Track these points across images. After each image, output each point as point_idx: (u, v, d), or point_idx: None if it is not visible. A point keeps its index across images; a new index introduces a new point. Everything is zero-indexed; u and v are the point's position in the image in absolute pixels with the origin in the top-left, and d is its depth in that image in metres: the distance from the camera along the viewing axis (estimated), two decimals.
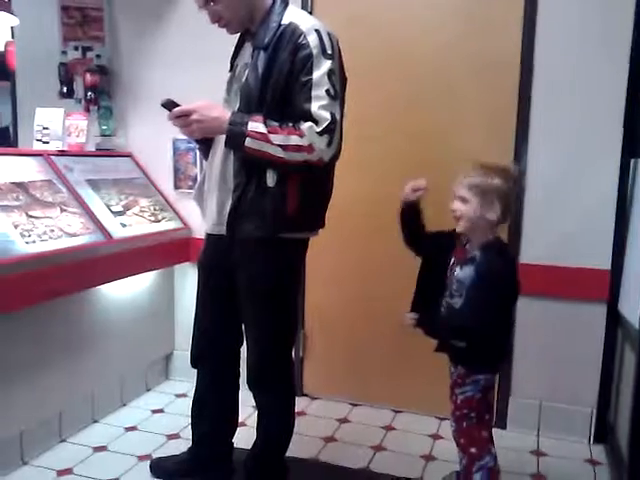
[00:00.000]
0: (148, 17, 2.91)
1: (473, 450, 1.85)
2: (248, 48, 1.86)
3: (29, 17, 2.95)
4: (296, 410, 2.05)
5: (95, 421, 2.59)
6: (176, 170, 2.94)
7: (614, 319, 2.44)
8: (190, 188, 2.85)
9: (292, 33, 1.73)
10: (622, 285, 2.39)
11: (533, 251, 2.49)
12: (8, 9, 2.75)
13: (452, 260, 1.88)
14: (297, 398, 2.07)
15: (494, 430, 1.92)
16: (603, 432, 2.51)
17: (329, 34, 1.76)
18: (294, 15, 1.79)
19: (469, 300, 1.75)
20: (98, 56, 2.98)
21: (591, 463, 2.40)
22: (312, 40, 1.71)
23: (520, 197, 2.19)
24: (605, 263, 2.43)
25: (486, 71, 2.53)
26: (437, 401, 2.65)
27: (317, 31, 1.73)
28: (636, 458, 1.83)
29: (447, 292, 1.85)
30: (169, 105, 1.78)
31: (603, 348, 2.48)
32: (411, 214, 1.95)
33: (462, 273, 1.80)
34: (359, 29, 2.62)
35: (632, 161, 2.38)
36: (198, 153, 2.75)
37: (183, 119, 1.77)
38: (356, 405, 2.86)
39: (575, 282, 2.45)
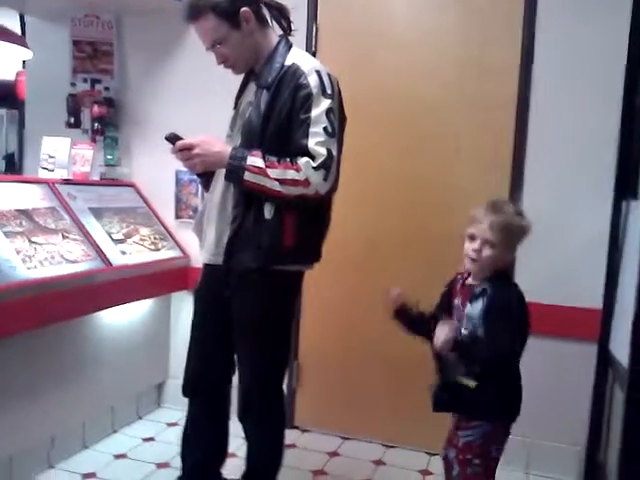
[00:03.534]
0: (156, 52, 3.02)
1: None
2: (252, 87, 1.92)
3: (41, 49, 3.04)
4: (286, 442, 2.06)
5: (85, 447, 2.59)
6: (178, 200, 3.00)
7: (605, 358, 2.46)
8: (190, 218, 2.90)
9: (294, 74, 1.80)
10: (613, 325, 2.42)
11: (525, 289, 2.51)
12: (23, 43, 2.85)
13: (457, 300, 1.84)
14: (288, 430, 2.08)
15: None
16: (592, 471, 2.51)
17: (329, 75, 1.83)
18: (297, 56, 1.86)
19: (487, 330, 1.70)
20: (106, 88, 3.07)
21: None
22: (312, 80, 1.78)
23: None
24: (597, 303, 2.46)
25: (483, 113, 2.60)
26: (428, 437, 2.66)
27: (317, 72, 1.80)
28: None
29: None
30: (172, 139, 1.84)
31: (593, 387, 2.50)
32: (403, 314, 1.90)
33: (472, 309, 1.77)
34: (360, 71, 2.71)
35: (624, 202, 2.43)
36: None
37: (185, 153, 1.83)
38: (347, 439, 2.86)
39: (567, 321, 2.48)
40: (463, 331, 1.78)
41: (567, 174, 2.50)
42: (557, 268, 2.52)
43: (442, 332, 1.67)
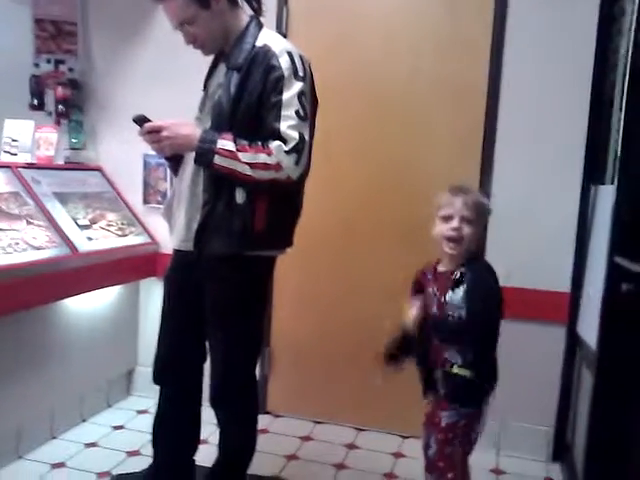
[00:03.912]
0: (123, 33, 2.93)
1: (450, 475, 1.81)
2: (222, 68, 1.88)
3: (1, 28, 2.93)
4: (259, 428, 2.04)
5: (54, 437, 2.54)
6: (146, 185, 2.94)
7: (573, 341, 2.51)
8: (159, 203, 2.85)
9: (265, 55, 1.76)
10: (581, 308, 2.46)
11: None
12: None
13: (433, 289, 1.83)
14: (260, 416, 2.07)
15: None
16: (560, 451, 2.57)
17: (301, 56, 1.80)
18: (268, 37, 1.82)
19: (473, 314, 1.71)
20: (70, 69, 2.97)
21: None
22: (284, 62, 1.75)
23: None
24: (565, 286, 2.51)
25: (454, 95, 2.60)
26: (400, 419, 2.70)
27: (289, 53, 1.77)
28: (591, 476, 1.87)
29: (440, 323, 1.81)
30: (140, 120, 1.79)
31: (562, 369, 2.55)
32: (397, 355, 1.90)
33: (455, 295, 1.75)
34: (332, 52, 2.68)
35: (592, 187, 2.46)
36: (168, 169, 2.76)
37: (154, 135, 1.78)
38: (319, 423, 2.86)
39: (536, 304, 2.51)
40: (450, 319, 1.78)
41: (537, 158, 2.52)
42: (526, 252, 2.54)
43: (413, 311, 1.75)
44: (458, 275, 1.76)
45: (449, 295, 1.78)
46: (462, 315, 1.73)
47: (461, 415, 1.79)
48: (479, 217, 1.76)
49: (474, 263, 1.77)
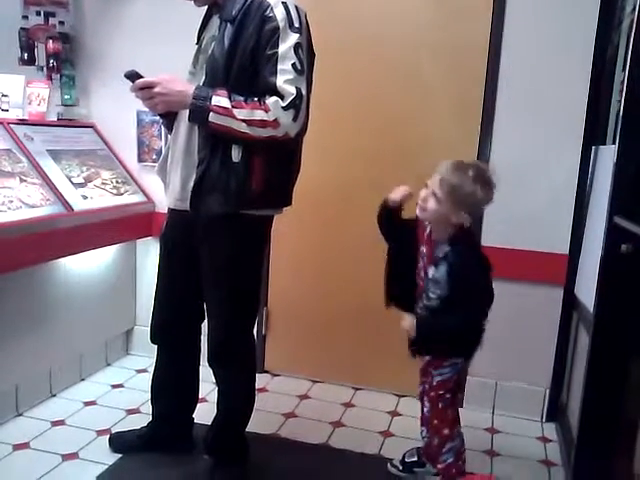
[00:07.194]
0: None
1: (446, 431, 1.89)
2: (215, 21, 1.83)
3: None
4: (257, 386, 2.05)
5: (53, 395, 2.56)
6: (140, 143, 2.89)
7: (570, 302, 2.51)
8: (154, 162, 2.80)
9: (259, 6, 1.70)
10: (579, 270, 2.45)
11: (493, 234, 2.53)
12: None
13: (422, 250, 1.87)
14: (258, 375, 2.09)
15: None
16: (555, 411, 2.60)
17: (297, 7, 1.74)
18: None
19: (453, 304, 1.76)
20: (61, 23, 2.87)
21: (542, 440, 2.49)
22: (279, 13, 1.69)
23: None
24: (563, 248, 2.49)
25: (454, 56, 2.54)
26: (396, 378, 2.72)
27: (284, 4, 1.71)
28: (585, 436, 1.89)
29: (423, 294, 1.86)
30: (133, 76, 1.74)
31: (558, 330, 2.56)
32: (394, 214, 1.94)
33: (437, 273, 1.80)
34: (329, 8, 2.60)
35: (592, 148, 2.42)
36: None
37: (146, 91, 1.73)
38: (316, 382, 2.89)
39: (534, 266, 2.50)
40: (431, 295, 1.83)
41: (536, 119, 2.48)
42: (526, 213, 2.52)
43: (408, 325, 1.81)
44: (442, 255, 1.79)
45: (432, 270, 1.82)
46: (440, 295, 1.80)
47: (452, 371, 1.87)
48: (451, 199, 1.74)
49: (458, 245, 1.78)
